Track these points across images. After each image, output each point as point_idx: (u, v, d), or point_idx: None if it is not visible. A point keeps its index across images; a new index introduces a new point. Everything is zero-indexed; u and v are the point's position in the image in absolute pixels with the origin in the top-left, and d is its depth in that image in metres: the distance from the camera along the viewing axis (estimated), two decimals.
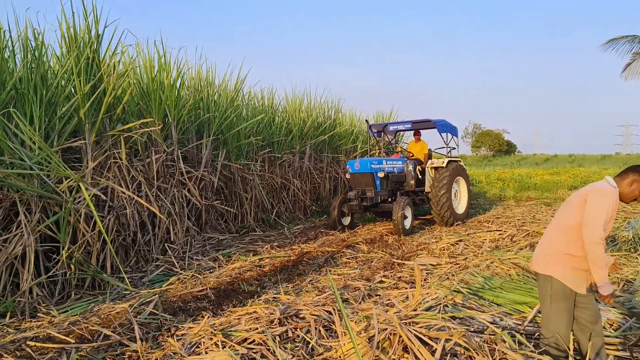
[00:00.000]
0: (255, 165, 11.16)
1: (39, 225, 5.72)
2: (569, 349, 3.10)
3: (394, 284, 5.98)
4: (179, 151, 8.52)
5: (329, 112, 15.15)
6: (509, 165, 46.55)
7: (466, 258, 7.02)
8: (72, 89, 6.49)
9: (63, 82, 6.51)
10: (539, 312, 4.21)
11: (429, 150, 11.77)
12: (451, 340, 3.20)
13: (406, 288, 5.68)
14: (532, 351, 3.07)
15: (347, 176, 10.82)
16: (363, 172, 10.29)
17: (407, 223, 9.84)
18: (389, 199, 10.57)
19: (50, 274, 5.71)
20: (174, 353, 3.88)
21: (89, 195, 5.85)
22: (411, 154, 11.69)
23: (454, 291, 5.11)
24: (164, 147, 8.05)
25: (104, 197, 6.59)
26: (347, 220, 10.77)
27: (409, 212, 9.93)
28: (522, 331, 3.97)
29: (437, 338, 3.24)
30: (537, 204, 14.66)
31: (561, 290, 3.07)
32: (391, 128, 12.35)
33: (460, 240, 8.46)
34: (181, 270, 6.94)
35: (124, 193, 6.82)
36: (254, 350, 3.80)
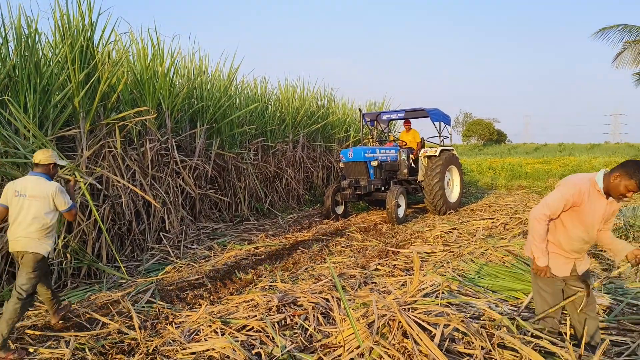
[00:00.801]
0: (249, 154, 11.15)
1: None
2: (556, 330, 3.25)
3: (389, 271, 6.03)
4: (173, 140, 8.50)
5: (321, 101, 15.13)
6: (499, 154, 46.81)
7: (460, 246, 7.10)
8: (67, 77, 6.42)
9: (57, 71, 6.45)
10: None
11: (422, 139, 11.82)
12: (449, 325, 3.25)
13: (402, 275, 5.74)
14: (528, 335, 3.13)
15: (341, 165, 10.87)
16: (357, 160, 10.31)
17: (401, 212, 9.91)
18: (382, 188, 10.63)
19: None
20: (174, 340, 3.91)
21: (85, 184, 5.83)
22: (404, 143, 11.75)
23: (450, 278, 5.17)
24: (158, 135, 8.02)
25: (99, 186, 6.57)
26: (340, 209, 10.82)
27: (402, 201, 9.99)
28: (517, 317, 4.04)
29: (435, 324, 3.29)
30: (528, 192, 14.80)
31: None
32: (384, 117, 12.38)
33: (454, 229, 8.54)
34: (176, 259, 6.95)
35: (118, 182, 6.81)
36: (253, 337, 3.84)
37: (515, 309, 4.25)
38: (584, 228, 3.09)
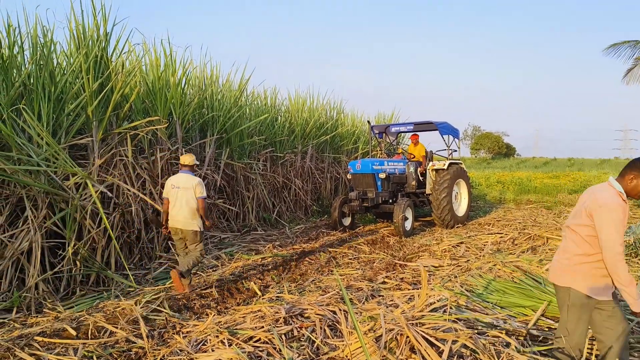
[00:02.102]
0: (258, 165, 11.20)
1: (46, 222, 5.76)
2: (581, 356, 3.08)
3: (396, 285, 6.02)
4: (184, 149, 8.56)
5: (331, 113, 15.19)
6: (508, 167, 46.63)
7: (468, 260, 7.07)
8: (81, 86, 6.51)
9: (71, 80, 6.54)
10: (542, 315, 4.27)
11: (428, 151, 11.75)
12: (458, 342, 3.24)
13: (409, 289, 5.72)
14: (537, 353, 3.12)
15: (349, 176, 10.83)
16: (364, 172, 10.31)
17: (408, 225, 9.87)
18: (390, 200, 10.59)
19: (55, 270, 5.75)
20: (181, 350, 3.91)
21: (96, 192, 5.89)
22: (412, 156, 11.73)
23: (458, 293, 5.15)
24: (168, 145, 8.09)
25: (110, 194, 6.62)
26: (347, 221, 10.78)
27: (409, 214, 9.96)
28: (526, 334, 4.01)
29: (443, 339, 3.28)
30: (537, 207, 14.72)
31: (579, 301, 3.03)
32: (393, 129, 12.37)
33: (462, 243, 8.51)
34: None
35: (129, 190, 6.86)
36: (260, 349, 3.84)
37: (524, 325, 4.22)
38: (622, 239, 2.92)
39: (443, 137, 11.59)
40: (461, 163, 11.62)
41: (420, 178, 11.31)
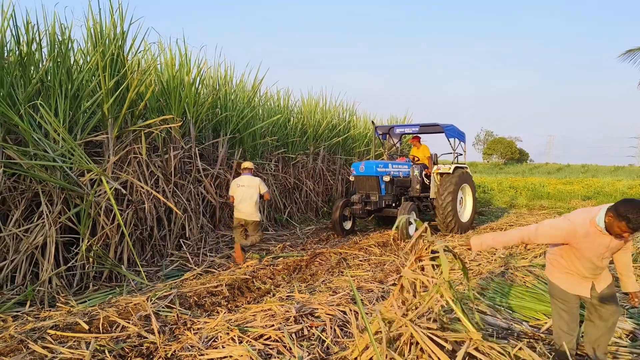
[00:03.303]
0: (270, 165, 11.23)
1: (60, 217, 5.83)
2: (566, 347, 3.31)
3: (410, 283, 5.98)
4: (196, 148, 8.61)
5: (343, 115, 15.18)
6: (520, 173, 46.30)
7: (479, 264, 7.03)
8: (97, 84, 6.58)
9: (88, 77, 6.61)
10: None
11: (435, 154, 11.34)
12: (468, 344, 3.22)
13: (420, 293, 5.69)
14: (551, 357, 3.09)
15: (351, 178, 10.53)
16: (368, 175, 10.04)
17: (412, 229, 9.60)
18: (394, 204, 10.33)
19: (69, 265, 5.81)
20: (192, 346, 3.94)
21: (110, 189, 5.94)
22: (417, 159, 11.41)
23: (469, 297, 5.12)
24: (182, 143, 8.15)
25: (124, 191, 6.68)
26: (348, 224, 10.50)
27: (414, 218, 9.68)
28: (538, 338, 3.98)
29: (455, 341, 3.26)
30: (550, 213, 14.59)
31: (557, 291, 3.41)
32: (397, 130, 12.02)
33: None
34: (195, 266, 7.02)
35: (142, 188, 6.92)
36: (270, 347, 3.86)
37: (536, 329, 4.19)
38: (588, 259, 3.19)
39: (449, 140, 11.21)
40: (467, 167, 11.24)
41: (426, 181, 10.93)
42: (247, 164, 7.61)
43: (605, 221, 2.99)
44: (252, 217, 7.30)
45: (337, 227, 10.12)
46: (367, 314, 4.55)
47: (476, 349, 3.21)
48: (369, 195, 10.14)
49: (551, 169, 56.91)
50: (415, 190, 10.67)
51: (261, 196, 7.42)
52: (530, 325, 4.31)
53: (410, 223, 9.51)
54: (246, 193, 7.25)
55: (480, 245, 3.56)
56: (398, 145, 12.84)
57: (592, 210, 3.14)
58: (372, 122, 12.34)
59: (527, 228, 3.36)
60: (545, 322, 4.40)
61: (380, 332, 3.66)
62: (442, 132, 11.08)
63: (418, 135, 11.86)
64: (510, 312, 4.72)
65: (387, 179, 10.04)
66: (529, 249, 8.24)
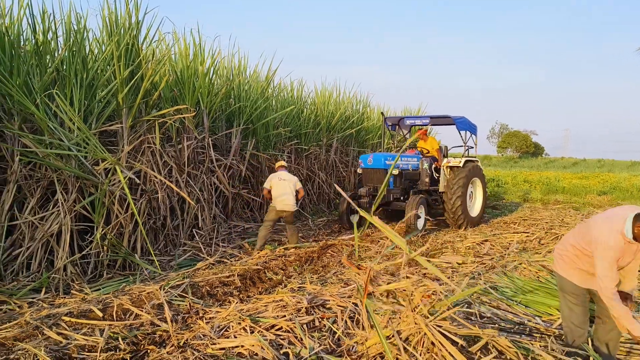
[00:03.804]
0: (283, 156, 11.22)
1: (75, 205, 5.89)
2: (580, 341, 3.37)
3: (418, 280, 5.97)
4: (210, 139, 8.63)
5: (357, 106, 15.11)
6: (535, 167, 45.85)
7: (492, 258, 6.98)
8: (112, 74, 6.61)
9: (102, 67, 6.65)
10: None
11: (445, 147, 11.08)
12: (481, 338, 3.20)
13: (431, 285, 5.67)
14: (563, 353, 3.06)
15: (359, 171, 10.25)
16: (376, 168, 9.75)
17: (420, 223, 9.34)
18: (402, 198, 9.97)
19: (83, 253, 5.87)
20: (204, 335, 3.97)
21: (124, 178, 5.99)
22: (427, 151, 11.05)
23: (481, 290, 5.09)
24: (195, 134, 8.17)
25: (138, 181, 6.73)
26: (356, 218, 9.91)
27: (422, 212, 9.44)
28: (551, 334, 3.95)
29: (468, 336, 3.25)
30: (565, 207, 14.42)
31: (568, 286, 3.44)
32: (407, 122, 11.61)
33: (486, 240, 8.40)
34: (208, 256, 7.06)
35: (156, 177, 6.95)
36: (282, 337, 3.87)
37: (548, 324, 4.16)
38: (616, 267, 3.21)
39: (460, 133, 10.90)
40: (477, 161, 10.94)
41: (435, 175, 10.59)
42: (282, 162, 8.24)
43: (634, 232, 3.00)
44: (293, 207, 7.84)
45: (343, 218, 9.91)
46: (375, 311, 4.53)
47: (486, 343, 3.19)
48: (376, 188, 9.81)
49: (567, 163, 56.25)
50: (424, 184, 10.30)
51: (296, 192, 7.92)
52: (542, 321, 4.27)
53: (418, 217, 9.28)
54: (287, 186, 7.75)
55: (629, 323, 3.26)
56: (408, 137, 12.44)
57: (610, 219, 3.16)
58: (382, 113, 12.13)
59: (606, 287, 3.15)
60: (558, 318, 4.36)
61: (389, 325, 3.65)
62: (453, 125, 10.77)
63: (424, 128, 11.53)
64: (524, 306, 4.68)
65: (395, 172, 9.77)
66: (542, 244, 8.17)
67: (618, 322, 3.17)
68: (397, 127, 11.92)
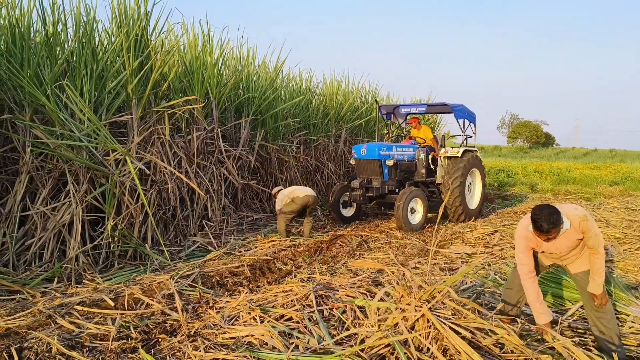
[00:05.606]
0: (292, 147, 11.22)
1: (86, 196, 5.94)
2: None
3: (428, 270, 5.97)
4: (219, 130, 8.65)
5: (366, 96, 15.05)
6: (546, 157, 45.46)
7: (502, 249, 6.96)
8: (121, 65, 6.63)
9: (112, 58, 6.66)
10: (582, 307, 4.18)
11: (440, 136, 10.77)
12: (489, 329, 3.20)
13: (441, 275, 5.68)
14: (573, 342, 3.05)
15: (352, 162, 9.84)
16: (370, 158, 9.27)
17: (415, 218, 8.91)
18: (397, 190, 9.50)
19: (95, 243, 5.93)
20: (214, 324, 4.00)
21: (134, 169, 6.02)
22: (423, 141, 10.58)
23: (491, 281, 5.08)
24: (204, 125, 8.19)
25: (147, 171, 6.76)
26: (350, 211, 9.85)
27: (419, 206, 9.04)
28: (565, 325, 3.94)
29: (476, 328, 3.24)
30: (576, 198, 14.32)
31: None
32: (403, 110, 11.04)
33: (496, 231, 8.37)
34: (217, 246, 7.10)
35: (165, 168, 6.99)
36: (291, 327, 3.89)
37: (558, 315, 4.14)
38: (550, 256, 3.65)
39: (458, 121, 10.42)
40: (476, 151, 10.50)
41: (432, 166, 10.14)
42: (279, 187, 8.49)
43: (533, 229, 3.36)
44: (314, 192, 7.98)
45: (335, 213, 9.64)
46: (387, 296, 4.54)
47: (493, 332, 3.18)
48: (370, 180, 9.36)
49: (578, 153, 55.72)
50: (420, 175, 9.93)
51: None
52: (554, 312, 4.26)
53: (413, 211, 8.94)
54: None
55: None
56: (403, 125, 11.97)
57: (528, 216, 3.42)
58: (376, 100, 11.72)
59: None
60: (569, 308, 4.34)
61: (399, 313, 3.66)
62: (451, 112, 10.33)
63: (417, 115, 11.08)
64: None
65: (390, 163, 9.26)
66: None
67: (531, 307, 3.53)
68: (392, 115, 11.44)
